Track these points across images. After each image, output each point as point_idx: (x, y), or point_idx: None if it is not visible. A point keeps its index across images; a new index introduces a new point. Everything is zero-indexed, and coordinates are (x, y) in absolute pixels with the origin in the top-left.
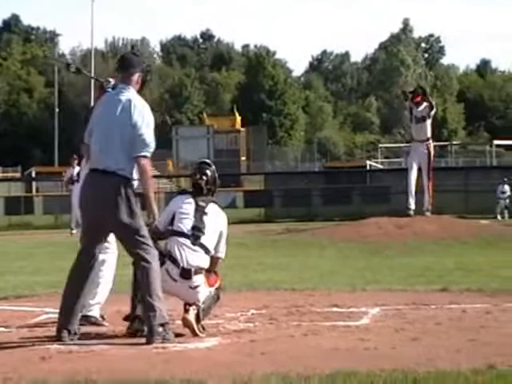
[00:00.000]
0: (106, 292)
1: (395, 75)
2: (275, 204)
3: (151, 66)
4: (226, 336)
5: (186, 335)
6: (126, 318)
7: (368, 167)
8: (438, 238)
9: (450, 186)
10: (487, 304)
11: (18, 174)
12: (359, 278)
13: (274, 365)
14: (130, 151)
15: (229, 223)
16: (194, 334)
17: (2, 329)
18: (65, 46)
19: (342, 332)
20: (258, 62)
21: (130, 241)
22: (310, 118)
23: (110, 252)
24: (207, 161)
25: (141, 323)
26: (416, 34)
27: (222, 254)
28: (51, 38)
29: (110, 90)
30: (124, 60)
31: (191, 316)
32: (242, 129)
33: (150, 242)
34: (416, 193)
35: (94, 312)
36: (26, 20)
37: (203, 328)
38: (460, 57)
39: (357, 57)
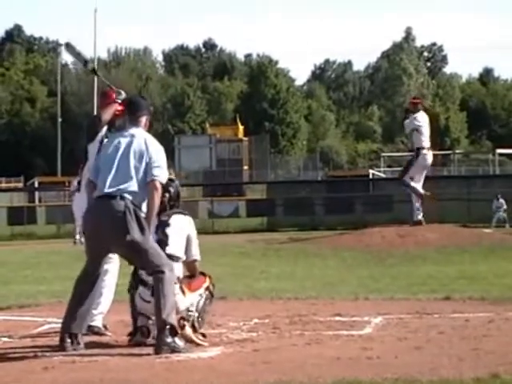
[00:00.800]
0: (108, 302)
1: (397, 84)
2: (278, 213)
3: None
4: (228, 345)
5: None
6: (130, 334)
7: (371, 176)
8: (441, 246)
9: (453, 194)
10: (490, 313)
11: (20, 184)
12: (362, 287)
13: (277, 374)
14: (141, 179)
15: (231, 232)
16: (196, 345)
17: (5, 339)
18: (67, 55)
19: (345, 341)
20: (261, 71)
21: (143, 258)
22: (312, 126)
23: (113, 262)
24: (170, 177)
25: (142, 335)
26: (418, 43)
27: (196, 256)
28: (54, 47)
29: (119, 101)
30: (132, 104)
31: (188, 331)
32: (245, 138)
33: (162, 254)
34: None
35: (97, 322)
36: (29, 30)
37: (203, 335)
38: (462, 65)
39: (359, 65)
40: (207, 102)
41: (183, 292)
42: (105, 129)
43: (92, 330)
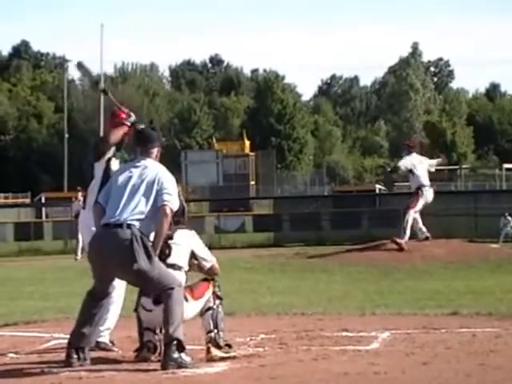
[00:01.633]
0: (115, 318)
1: (404, 99)
2: (284, 228)
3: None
4: (235, 361)
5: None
6: (137, 350)
7: (377, 191)
8: (447, 261)
9: (460, 209)
10: (497, 328)
11: (27, 200)
12: (369, 302)
13: None
14: (150, 214)
15: (238, 247)
16: (226, 359)
17: (12, 355)
18: (74, 71)
19: (352, 356)
20: (267, 87)
21: (152, 284)
22: (318, 142)
23: None
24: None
25: (149, 351)
26: (425, 58)
27: (207, 263)
28: (61, 63)
29: (129, 123)
30: (143, 135)
31: (213, 352)
32: (251, 153)
33: (170, 274)
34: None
35: (104, 338)
36: (36, 46)
37: (229, 346)
38: (469, 80)
39: (366, 81)
40: (214, 118)
41: (186, 299)
42: (113, 149)
43: (99, 346)
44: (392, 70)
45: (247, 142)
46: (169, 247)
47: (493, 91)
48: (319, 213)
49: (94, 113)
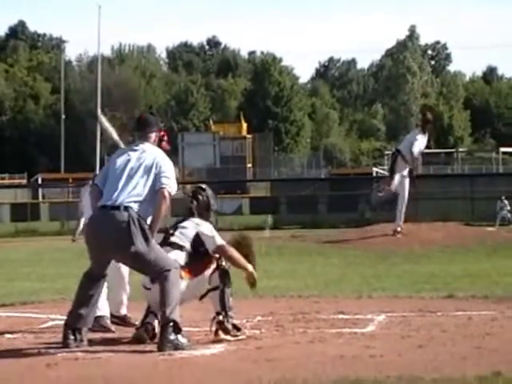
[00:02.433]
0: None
1: (401, 82)
2: (281, 211)
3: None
4: (231, 343)
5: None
6: (138, 328)
7: (374, 174)
8: (444, 245)
9: (456, 193)
10: (493, 311)
11: (24, 181)
12: (365, 285)
13: (280, 371)
14: (148, 198)
15: (235, 229)
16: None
17: (8, 335)
18: (71, 52)
19: (348, 339)
20: (265, 69)
21: (149, 267)
22: (316, 124)
23: None
24: (203, 186)
25: (146, 332)
26: (422, 41)
27: (218, 242)
28: (58, 44)
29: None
30: (141, 120)
31: (222, 336)
32: (248, 135)
33: (168, 257)
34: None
35: (122, 310)
36: (33, 27)
37: (237, 328)
38: (466, 64)
39: (363, 64)
40: (211, 100)
41: (181, 277)
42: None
43: (99, 322)
44: (389, 53)
45: (244, 125)
46: (176, 228)
47: (490, 74)
48: (316, 195)
49: (91, 94)
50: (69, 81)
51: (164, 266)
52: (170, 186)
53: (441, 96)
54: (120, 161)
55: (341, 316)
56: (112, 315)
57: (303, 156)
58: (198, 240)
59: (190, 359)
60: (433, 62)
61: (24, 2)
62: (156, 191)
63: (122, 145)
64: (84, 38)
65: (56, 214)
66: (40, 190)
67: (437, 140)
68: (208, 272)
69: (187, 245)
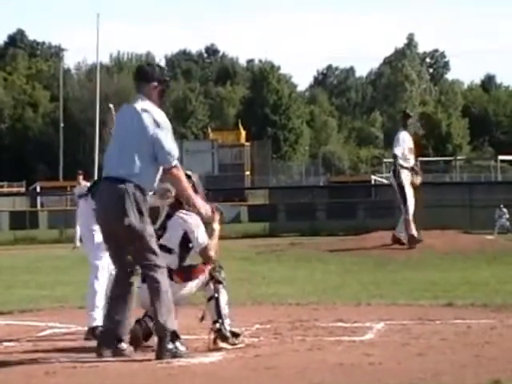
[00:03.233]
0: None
1: (400, 90)
2: (279, 218)
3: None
4: (230, 351)
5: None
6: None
7: (372, 182)
8: (443, 252)
9: (455, 201)
10: (492, 319)
11: (22, 189)
12: (364, 293)
13: (279, 380)
14: (147, 160)
15: (233, 237)
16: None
17: (7, 343)
18: (70, 60)
19: (347, 347)
20: (263, 77)
21: (137, 245)
22: (314, 132)
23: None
24: (188, 173)
25: (139, 326)
26: (421, 49)
27: (201, 243)
28: (56, 52)
29: None
30: (138, 71)
31: (220, 345)
32: (247, 143)
33: (157, 254)
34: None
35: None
36: (32, 35)
37: (235, 335)
38: (465, 72)
39: (361, 72)
40: (209, 107)
41: (171, 279)
42: None
43: (94, 332)
44: (388, 61)
45: (243, 132)
46: (164, 228)
47: (488, 82)
48: (314, 203)
49: (89, 102)
50: (67, 89)
51: (154, 259)
52: (174, 161)
53: (439, 104)
54: (119, 125)
55: (339, 324)
56: None
57: (301, 164)
58: (186, 237)
59: (188, 367)
60: (431, 70)
61: (23, 11)
62: (155, 161)
63: None
64: (83, 46)
65: (54, 221)
66: (38, 198)
67: (435, 148)
68: (203, 278)
69: (176, 248)
